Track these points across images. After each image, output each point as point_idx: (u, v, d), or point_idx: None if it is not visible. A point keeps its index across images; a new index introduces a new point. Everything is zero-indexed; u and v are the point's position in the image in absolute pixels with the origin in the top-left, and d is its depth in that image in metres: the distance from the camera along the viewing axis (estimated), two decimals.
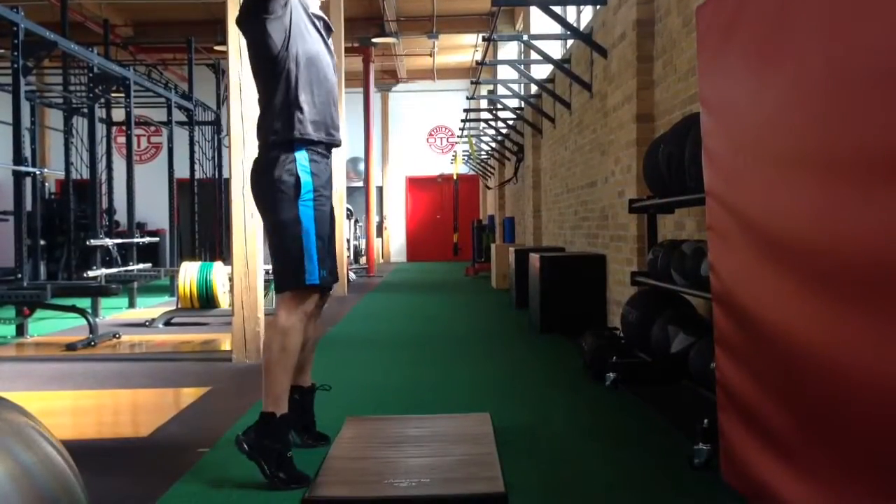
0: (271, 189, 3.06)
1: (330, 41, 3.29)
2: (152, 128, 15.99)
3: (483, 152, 17.89)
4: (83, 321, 6.98)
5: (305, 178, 3.04)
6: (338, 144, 3.23)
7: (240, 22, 3.16)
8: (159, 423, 3.94)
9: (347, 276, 11.76)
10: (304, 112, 3.07)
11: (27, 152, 8.06)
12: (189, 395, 4.63)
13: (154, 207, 15.66)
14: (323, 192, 3.12)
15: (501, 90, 12.56)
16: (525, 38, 8.72)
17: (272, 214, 3.09)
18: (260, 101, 3.18)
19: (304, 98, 3.08)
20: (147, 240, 11.29)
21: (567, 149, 9.34)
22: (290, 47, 3.06)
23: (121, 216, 11.37)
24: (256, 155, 3.17)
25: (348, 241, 14.23)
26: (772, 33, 2.38)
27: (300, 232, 3.03)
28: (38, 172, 8.15)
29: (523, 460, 3.18)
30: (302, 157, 3.06)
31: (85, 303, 8.06)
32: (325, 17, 3.32)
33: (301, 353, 3.21)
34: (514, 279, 9.06)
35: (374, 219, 16.52)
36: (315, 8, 3.27)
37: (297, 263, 3.04)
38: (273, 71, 3.07)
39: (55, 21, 9.63)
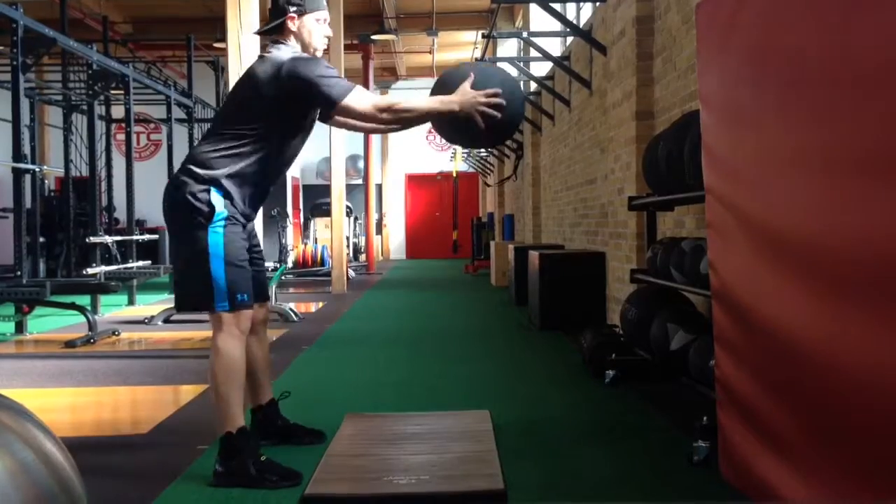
0: (182, 212, 3.00)
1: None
2: (152, 125, 15.96)
3: (482, 150, 17.87)
4: (82, 318, 6.98)
5: (217, 205, 2.97)
6: (249, 220, 3.19)
7: (287, 90, 3.04)
8: (158, 420, 3.94)
9: (347, 273, 11.76)
10: (239, 192, 3.03)
11: (26, 149, 8.04)
12: (188, 392, 4.63)
13: (154, 205, 15.56)
14: (237, 218, 3.04)
15: None
16: (524, 35, 8.72)
17: (181, 238, 3.04)
18: (212, 133, 3.11)
19: (248, 182, 3.04)
20: (146, 237, 11.30)
21: (566, 146, 9.34)
22: (273, 138, 3.07)
23: (120, 213, 11.37)
24: (173, 176, 3.11)
25: (348, 238, 14.22)
26: (771, 30, 2.38)
27: (208, 259, 2.95)
28: (37, 169, 8.14)
29: (523, 457, 3.19)
30: (217, 193, 2.99)
31: (84, 300, 8.06)
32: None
33: (256, 373, 3.19)
34: (513, 276, 9.06)
35: (374, 216, 16.53)
36: (320, 49, 3.25)
37: (206, 289, 2.97)
38: (268, 130, 3.03)
39: (54, 18, 9.63)
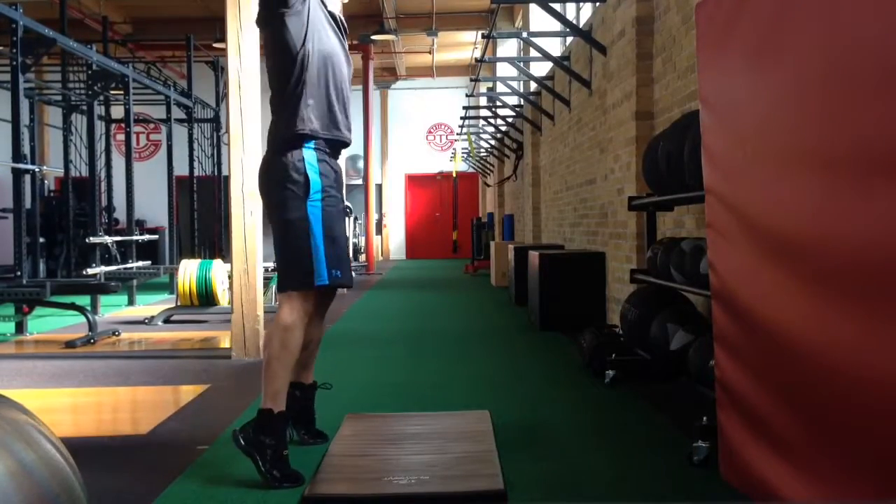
0: (279, 188, 3.04)
1: (346, 41, 3.27)
2: (151, 125, 15.97)
3: (482, 150, 17.88)
4: (82, 319, 6.98)
5: (314, 177, 3.01)
6: (347, 143, 3.21)
7: (259, 18, 3.13)
8: (158, 420, 3.94)
9: None
10: (315, 109, 3.05)
11: (26, 150, 8.05)
12: (188, 392, 4.63)
13: (153, 205, 15.66)
14: (331, 191, 3.09)
15: (501, 87, 12.56)
16: (524, 35, 8.72)
17: (280, 213, 3.06)
18: (273, 99, 3.13)
19: (316, 95, 3.06)
20: (146, 237, 11.30)
21: (566, 146, 9.34)
22: (307, 44, 3.04)
23: (120, 214, 11.38)
24: (266, 153, 3.15)
25: (348, 238, 14.21)
26: (771, 30, 2.38)
27: (308, 232, 3.00)
28: (37, 170, 8.15)
29: (522, 458, 3.19)
30: (310, 155, 3.03)
31: (84, 300, 8.06)
32: (342, 18, 3.31)
33: (304, 351, 3.19)
34: (513, 277, 9.06)
35: (374, 216, 16.53)
36: (334, 7, 3.24)
37: (305, 264, 3.00)
38: (289, 67, 3.04)
39: (54, 18, 9.63)
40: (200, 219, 12.30)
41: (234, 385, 4.79)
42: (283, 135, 3.06)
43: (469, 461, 3.07)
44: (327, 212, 3.05)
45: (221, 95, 12.61)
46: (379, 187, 20.85)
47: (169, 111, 11.12)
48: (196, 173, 12.01)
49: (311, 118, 3.04)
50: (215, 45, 13.69)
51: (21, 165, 6.99)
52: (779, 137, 2.36)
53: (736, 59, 2.64)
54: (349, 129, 3.21)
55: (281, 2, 3.00)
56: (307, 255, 3.00)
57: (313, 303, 3.12)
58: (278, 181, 3.04)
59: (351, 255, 16.20)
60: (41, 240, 9.53)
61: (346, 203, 12.87)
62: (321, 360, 5.64)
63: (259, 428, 2.95)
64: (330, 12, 3.19)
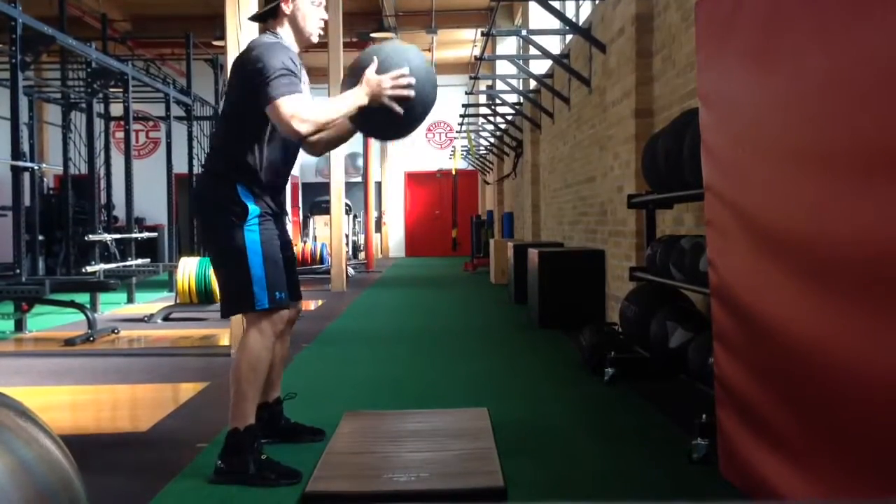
0: (215, 212, 3.00)
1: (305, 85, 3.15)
2: (150, 123, 15.95)
3: (482, 147, 17.87)
4: (82, 316, 6.98)
5: (250, 204, 2.97)
6: (280, 214, 3.15)
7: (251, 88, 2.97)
8: (158, 417, 3.94)
9: (346, 271, 11.76)
10: (263, 178, 3.01)
11: (25, 147, 8.03)
12: (188, 389, 4.63)
13: (152, 202, 15.64)
14: (268, 215, 3.03)
15: (500, 85, 12.55)
16: (524, 33, 8.70)
17: (216, 240, 3.03)
18: (227, 131, 3.08)
19: (268, 163, 3.02)
20: (146, 235, 11.29)
21: (566, 144, 9.34)
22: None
23: (119, 211, 11.36)
24: (201, 178, 3.10)
25: (347, 236, 14.22)
26: (770, 28, 2.38)
27: (245, 258, 2.94)
28: (36, 167, 8.14)
29: (522, 455, 3.19)
30: (244, 193, 2.98)
31: (83, 298, 8.05)
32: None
33: (271, 369, 3.16)
34: (512, 274, 9.06)
35: (373, 214, 16.52)
36: (313, 39, 3.16)
37: (244, 289, 2.96)
38: (261, 126, 2.98)
39: (53, 16, 9.61)
40: None
41: None
42: (224, 169, 3.00)
43: (468, 458, 3.07)
44: (265, 235, 3.00)
45: (221, 93, 12.60)
46: (378, 185, 20.83)
47: (168, 109, 11.11)
48: (195, 171, 11.99)
49: (257, 183, 2.99)
50: (215, 42, 13.68)
51: (20, 163, 6.98)
52: (778, 135, 2.36)
53: (735, 57, 2.64)
54: (284, 204, 3.18)
55: (264, 99, 2.85)
56: (246, 280, 2.95)
57: (280, 322, 3.07)
58: (215, 206, 3.00)
59: (351, 252, 16.24)
60: (40, 237, 9.52)
61: (346, 201, 12.64)
62: (320, 357, 5.66)
63: (232, 450, 2.93)
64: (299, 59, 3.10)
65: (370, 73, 2.87)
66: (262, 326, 2.99)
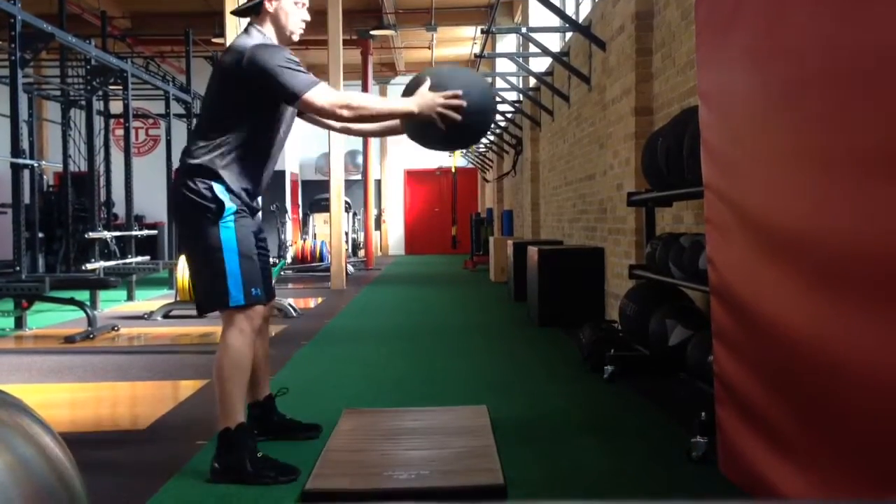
0: (190, 210, 3.00)
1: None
2: (150, 120, 15.94)
3: (481, 145, 17.86)
4: (82, 314, 6.98)
5: (225, 200, 2.98)
6: (256, 211, 3.18)
7: (256, 83, 3.01)
8: (158, 415, 3.94)
9: (346, 269, 11.76)
10: (241, 176, 3.03)
11: (25, 145, 8.04)
12: (187, 387, 4.63)
13: (152, 200, 15.62)
14: (244, 211, 3.04)
15: (500, 83, 12.52)
16: (523, 30, 8.70)
17: (191, 236, 3.04)
18: (201, 128, 3.10)
19: (250, 165, 3.05)
20: (145, 232, 11.29)
21: (565, 142, 9.34)
22: (277, 123, 3.09)
23: (119, 209, 11.35)
24: (177, 175, 3.10)
25: (346, 234, 14.22)
26: (770, 26, 2.38)
27: (221, 254, 2.95)
28: (36, 165, 8.14)
29: (521, 453, 3.19)
30: (220, 189, 2.99)
31: (83, 295, 8.06)
32: None
33: (253, 369, 3.15)
34: (512, 272, 9.06)
35: (373, 212, 16.51)
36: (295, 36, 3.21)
37: (219, 286, 2.97)
38: (243, 125, 3.00)
39: (53, 13, 9.60)
40: None
41: None
42: (201, 166, 3.00)
43: (468, 456, 3.07)
44: (241, 232, 3.00)
45: None
46: (378, 183, 20.82)
47: (168, 106, 11.11)
48: None
49: (233, 179, 3.01)
50: (214, 39, 13.67)
51: (20, 160, 6.98)
52: (778, 133, 2.36)
53: (735, 55, 2.64)
54: (259, 197, 3.20)
55: (289, 97, 2.96)
56: (221, 277, 2.96)
57: (257, 318, 3.07)
58: (191, 203, 3.00)
59: (350, 249, 16.25)
60: (40, 235, 9.51)
61: (346, 199, 12.62)
62: (319, 355, 5.66)
63: (225, 450, 2.93)
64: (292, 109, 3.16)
65: (424, 88, 3.02)
66: (239, 324, 3.00)
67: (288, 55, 2.98)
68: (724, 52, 2.74)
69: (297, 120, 3.30)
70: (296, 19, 3.15)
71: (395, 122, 3.26)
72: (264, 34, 3.09)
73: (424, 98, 2.99)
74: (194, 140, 3.08)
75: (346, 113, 2.99)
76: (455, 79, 3.08)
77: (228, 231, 2.98)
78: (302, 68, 3.00)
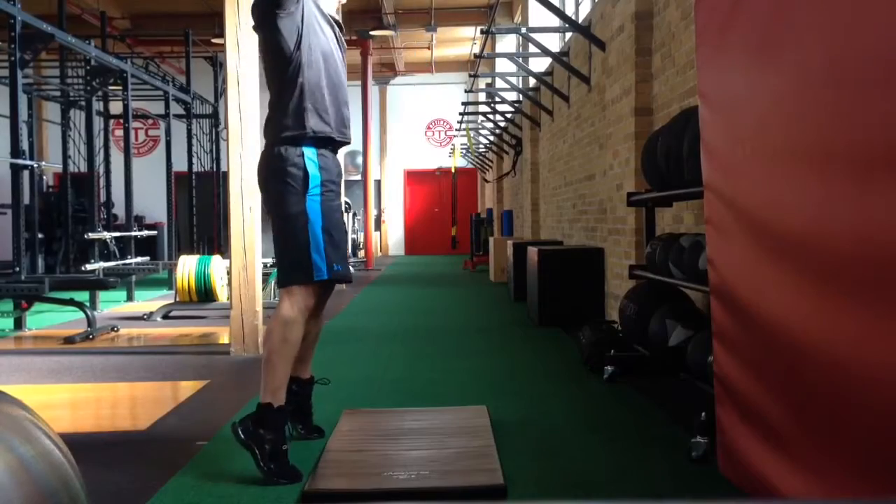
0: (278, 182, 3.04)
1: (343, 42, 3.28)
2: (150, 121, 15.95)
3: (481, 145, 17.87)
4: (81, 314, 6.98)
5: (313, 171, 3.03)
6: (348, 142, 3.23)
7: (254, 20, 3.14)
8: (157, 416, 3.94)
9: None
10: (316, 110, 3.07)
11: (24, 145, 8.03)
12: (187, 388, 4.63)
13: (152, 201, 15.65)
14: (331, 185, 3.10)
15: (500, 83, 12.53)
16: (523, 30, 8.69)
17: (279, 208, 3.07)
18: (271, 98, 3.16)
19: (316, 96, 3.08)
20: (145, 233, 11.29)
21: (565, 142, 9.34)
22: (303, 45, 3.06)
23: (119, 209, 11.35)
24: (264, 149, 3.15)
25: (346, 232, 14.21)
26: (770, 26, 2.38)
27: (307, 227, 3.00)
28: (35, 165, 8.14)
29: (521, 453, 3.19)
30: (310, 151, 3.05)
31: (83, 296, 8.06)
32: (338, 19, 3.33)
33: (302, 345, 3.18)
34: (512, 272, 9.06)
35: (373, 212, 16.51)
36: (329, 7, 3.26)
37: (305, 258, 3.01)
38: (286, 69, 3.06)
39: (52, 13, 9.59)
40: (199, 215, 12.28)
41: (233, 381, 4.79)
42: (282, 133, 3.06)
43: (468, 456, 3.07)
44: (326, 206, 3.06)
45: (220, 91, 12.59)
46: (378, 183, 20.82)
47: (167, 107, 11.10)
48: (195, 169, 11.99)
49: (308, 119, 3.05)
50: (214, 40, 13.67)
51: (19, 161, 6.98)
52: (778, 133, 2.35)
53: (735, 55, 2.63)
54: (347, 127, 3.22)
55: (273, 3, 3.00)
56: (307, 250, 3.01)
57: (314, 297, 3.12)
58: (277, 175, 3.05)
59: (350, 250, 16.23)
60: (40, 235, 9.52)
61: (346, 199, 12.69)
62: (319, 355, 5.65)
63: (258, 421, 2.95)
64: (325, 12, 3.20)
65: None
66: (297, 299, 3.04)
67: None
68: (724, 51, 2.74)
69: None
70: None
71: None
72: None
73: None
74: (272, 109, 3.12)
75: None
76: None
77: (314, 203, 3.01)
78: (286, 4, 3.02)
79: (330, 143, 3.14)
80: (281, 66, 3.07)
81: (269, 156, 3.10)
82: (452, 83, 20.71)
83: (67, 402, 4.50)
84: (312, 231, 3.01)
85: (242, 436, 2.93)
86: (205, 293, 7.84)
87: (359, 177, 18.62)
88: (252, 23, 3.16)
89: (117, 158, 10.53)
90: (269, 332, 3.06)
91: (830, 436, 2.10)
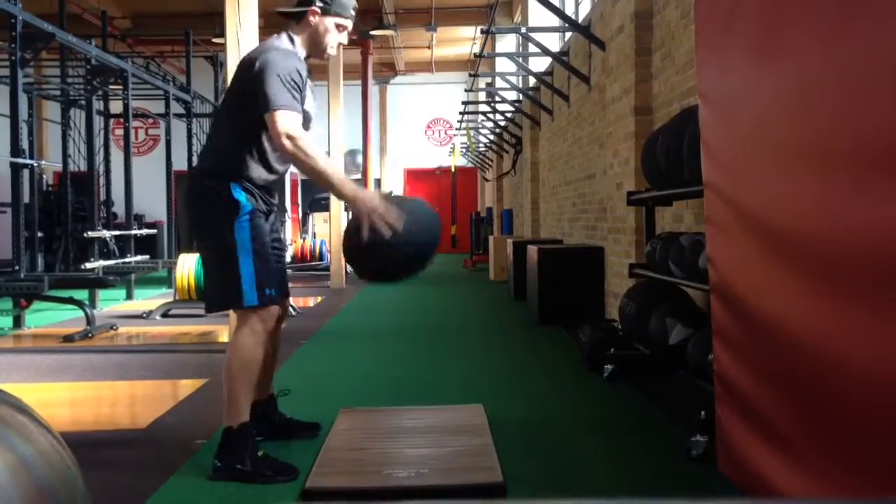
0: (206, 209, 3.01)
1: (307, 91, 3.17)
2: (150, 120, 15.94)
3: (481, 145, 17.87)
4: (81, 313, 6.98)
5: (242, 200, 2.98)
6: (273, 209, 3.16)
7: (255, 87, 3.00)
8: (157, 414, 3.94)
9: (345, 268, 11.75)
10: (267, 164, 3.05)
11: (25, 144, 8.03)
12: (187, 386, 4.63)
13: (152, 199, 15.64)
14: (260, 212, 3.03)
15: (500, 83, 12.52)
16: (523, 30, 8.69)
17: (206, 236, 3.05)
18: (222, 129, 3.10)
19: (272, 156, 3.05)
20: (145, 231, 11.29)
21: (565, 141, 9.34)
22: None
23: (118, 208, 11.35)
24: (195, 174, 3.11)
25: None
26: (770, 25, 2.38)
27: (236, 255, 2.95)
28: (35, 164, 8.13)
29: (521, 451, 3.19)
30: (237, 189, 3.00)
31: (82, 294, 8.07)
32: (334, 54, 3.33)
33: (262, 369, 3.15)
34: (512, 271, 9.06)
35: None
36: (331, 49, 3.20)
37: (232, 286, 2.97)
38: (259, 121, 2.97)
39: (53, 13, 9.60)
40: None
41: None
42: (226, 168, 3.01)
43: (467, 454, 3.07)
44: (256, 232, 3.00)
45: (220, 90, 12.60)
46: (378, 182, 20.82)
47: (168, 106, 11.11)
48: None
49: (253, 170, 3.02)
50: (214, 40, 13.66)
51: (20, 160, 6.98)
52: (778, 132, 2.35)
53: (735, 54, 2.63)
54: (280, 193, 3.19)
55: (263, 106, 2.91)
56: (235, 277, 2.96)
57: (271, 319, 3.08)
58: (205, 202, 3.01)
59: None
60: (39, 234, 9.52)
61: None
62: (318, 354, 5.66)
63: (227, 448, 2.93)
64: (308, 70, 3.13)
65: (380, 193, 2.96)
66: (252, 324, 3.00)
67: (293, 73, 2.95)
68: (723, 50, 2.74)
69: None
70: (333, 40, 3.17)
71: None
72: (294, 43, 3.11)
73: (370, 197, 2.89)
74: (212, 140, 3.10)
75: (289, 146, 2.87)
76: (412, 212, 2.95)
77: (243, 232, 2.97)
78: (296, 92, 2.95)
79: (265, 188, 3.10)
80: (256, 116, 2.96)
81: (200, 183, 3.04)
82: (452, 83, 20.71)
83: (67, 401, 4.50)
84: (241, 259, 2.95)
85: (220, 475, 2.89)
86: (204, 292, 7.83)
87: (359, 175, 18.61)
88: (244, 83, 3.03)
89: (117, 157, 10.53)
90: (228, 362, 3.00)
91: (831, 434, 2.10)
